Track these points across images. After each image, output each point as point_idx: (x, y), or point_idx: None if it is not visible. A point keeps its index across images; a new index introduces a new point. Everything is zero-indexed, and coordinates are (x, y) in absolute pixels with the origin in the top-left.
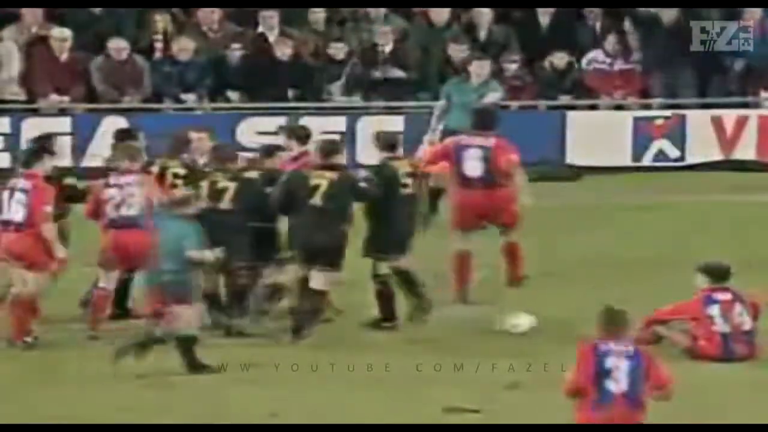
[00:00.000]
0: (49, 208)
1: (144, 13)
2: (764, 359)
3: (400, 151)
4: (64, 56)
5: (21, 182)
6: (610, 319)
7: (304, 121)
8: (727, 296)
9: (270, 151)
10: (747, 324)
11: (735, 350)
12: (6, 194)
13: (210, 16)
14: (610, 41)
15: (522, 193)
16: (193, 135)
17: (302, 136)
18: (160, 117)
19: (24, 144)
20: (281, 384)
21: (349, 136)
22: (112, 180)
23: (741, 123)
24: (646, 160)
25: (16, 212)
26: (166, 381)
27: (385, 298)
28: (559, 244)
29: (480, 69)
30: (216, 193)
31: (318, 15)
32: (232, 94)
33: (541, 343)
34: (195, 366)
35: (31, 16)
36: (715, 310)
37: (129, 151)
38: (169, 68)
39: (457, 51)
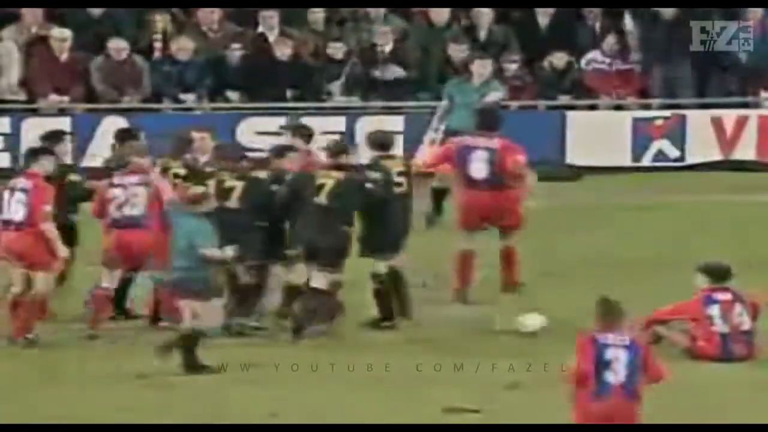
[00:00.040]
0: (48, 208)
1: (143, 13)
2: (763, 359)
3: (393, 151)
4: (64, 56)
5: (21, 182)
6: (606, 311)
7: (304, 121)
8: (727, 296)
9: (281, 151)
10: (746, 324)
11: (734, 350)
12: (7, 194)
13: (210, 16)
14: (609, 42)
15: (531, 193)
16: (196, 135)
17: (307, 134)
18: (159, 117)
19: (24, 144)
20: (281, 384)
21: (349, 136)
22: (116, 180)
23: (741, 123)
24: (646, 160)
25: (16, 211)
26: (166, 381)
27: (383, 298)
28: (559, 244)
29: (482, 69)
30: (223, 192)
31: (317, 15)
32: (232, 94)
33: (541, 343)
34: (194, 366)
35: (31, 16)
36: (714, 311)
37: (138, 149)
38: (168, 68)
39: (457, 51)
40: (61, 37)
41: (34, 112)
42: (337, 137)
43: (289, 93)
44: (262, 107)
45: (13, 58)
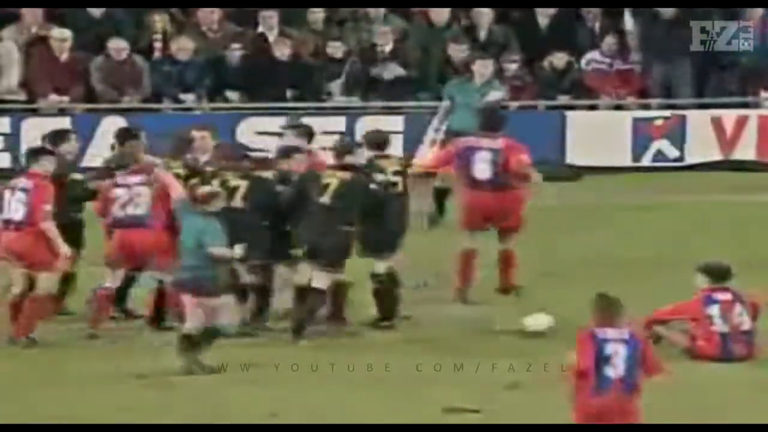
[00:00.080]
0: (48, 207)
1: (143, 13)
2: (763, 359)
3: (389, 150)
4: (64, 56)
5: (22, 181)
6: (605, 306)
7: (304, 121)
8: (727, 296)
9: (287, 152)
10: (746, 324)
11: (734, 350)
12: (8, 193)
13: (209, 16)
14: (608, 42)
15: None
16: (196, 133)
17: (308, 134)
18: (159, 117)
19: (24, 144)
20: (281, 384)
21: (349, 136)
22: (119, 179)
23: (741, 123)
24: (646, 161)
25: (16, 211)
26: (166, 381)
27: (383, 298)
28: (559, 244)
29: (483, 69)
30: (228, 192)
31: (317, 15)
32: (232, 94)
33: (541, 343)
34: (194, 367)
35: (31, 16)
36: (714, 310)
37: (141, 149)
38: (168, 68)
39: (457, 51)
40: (61, 37)
41: (34, 112)
42: (341, 137)
43: (289, 93)
44: (262, 107)
45: (13, 58)
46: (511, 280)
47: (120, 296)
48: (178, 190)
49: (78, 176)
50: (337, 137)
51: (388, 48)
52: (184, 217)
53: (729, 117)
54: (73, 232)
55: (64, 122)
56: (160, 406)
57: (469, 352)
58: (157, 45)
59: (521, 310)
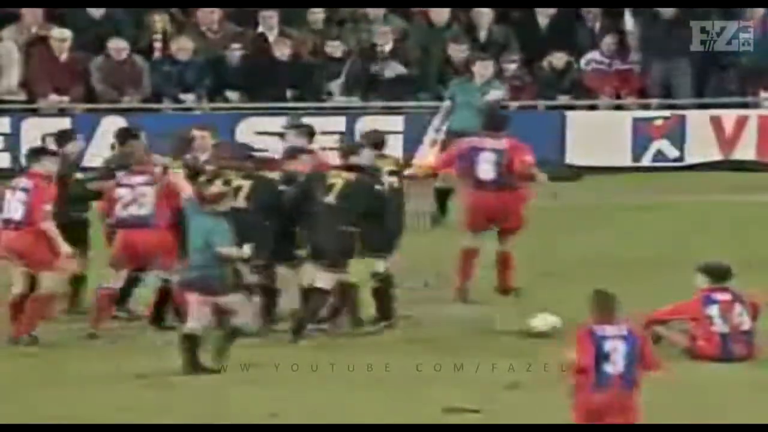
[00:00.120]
0: (48, 207)
1: (143, 13)
2: (763, 359)
3: (386, 150)
4: (63, 56)
5: (23, 181)
6: (602, 303)
7: (304, 121)
8: (727, 296)
9: (292, 153)
10: (746, 324)
11: (734, 350)
12: (9, 193)
13: (209, 16)
14: (607, 42)
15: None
16: (197, 132)
17: (311, 133)
18: (159, 117)
19: (24, 144)
20: (281, 384)
21: (349, 136)
22: (123, 179)
23: (740, 123)
24: (646, 161)
25: (16, 210)
26: (166, 381)
27: (382, 298)
28: (559, 244)
29: (484, 69)
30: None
31: (317, 15)
32: (232, 94)
33: (541, 343)
34: (194, 367)
35: (31, 16)
36: (714, 311)
37: (142, 148)
38: (168, 68)
39: (457, 51)
40: (61, 37)
41: (34, 112)
42: (342, 137)
43: (289, 93)
44: (261, 107)
45: (13, 58)
46: (508, 282)
47: (123, 296)
48: (186, 189)
49: (79, 176)
50: (337, 137)
51: (388, 48)
52: (191, 217)
53: (729, 117)
54: (77, 232)
55: (64, 122)
56: (160, 406)
57: (469, 352)
58: (157, 45)
59: (521, 310)
